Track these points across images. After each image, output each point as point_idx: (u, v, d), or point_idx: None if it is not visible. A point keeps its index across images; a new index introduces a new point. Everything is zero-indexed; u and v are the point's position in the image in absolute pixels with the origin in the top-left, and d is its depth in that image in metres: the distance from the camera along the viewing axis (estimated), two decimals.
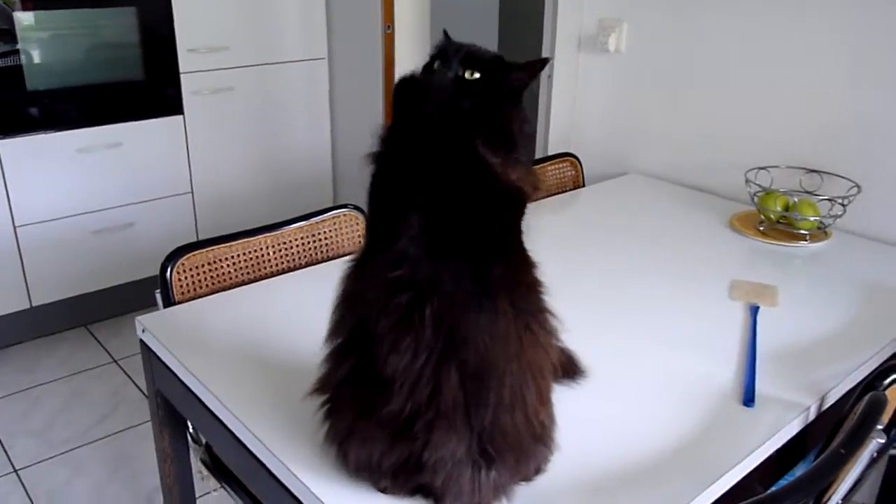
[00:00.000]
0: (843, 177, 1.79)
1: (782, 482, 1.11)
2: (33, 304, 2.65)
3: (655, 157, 2.24)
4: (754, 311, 1.38)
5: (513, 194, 0.83)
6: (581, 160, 2.19)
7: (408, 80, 0.83)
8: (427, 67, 0.84)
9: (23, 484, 2.04)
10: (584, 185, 2.18)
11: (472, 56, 0.81)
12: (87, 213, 2.68)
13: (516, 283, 0.84)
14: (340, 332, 0.88)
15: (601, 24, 2.26)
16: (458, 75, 0.80)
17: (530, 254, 0.87)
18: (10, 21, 2.38)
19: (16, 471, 2.09)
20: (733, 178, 1.99)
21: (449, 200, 0.79)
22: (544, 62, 0.84)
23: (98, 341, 2.75)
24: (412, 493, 0.87)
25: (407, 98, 0.82)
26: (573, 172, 2.16)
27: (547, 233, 1.80)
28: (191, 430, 1.44)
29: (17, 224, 2.54)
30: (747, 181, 1.83)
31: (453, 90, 0.80)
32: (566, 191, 2.13)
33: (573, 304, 1.37)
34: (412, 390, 0.79)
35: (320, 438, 0.92)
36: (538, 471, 0.92)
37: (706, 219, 1.87)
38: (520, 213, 0.86)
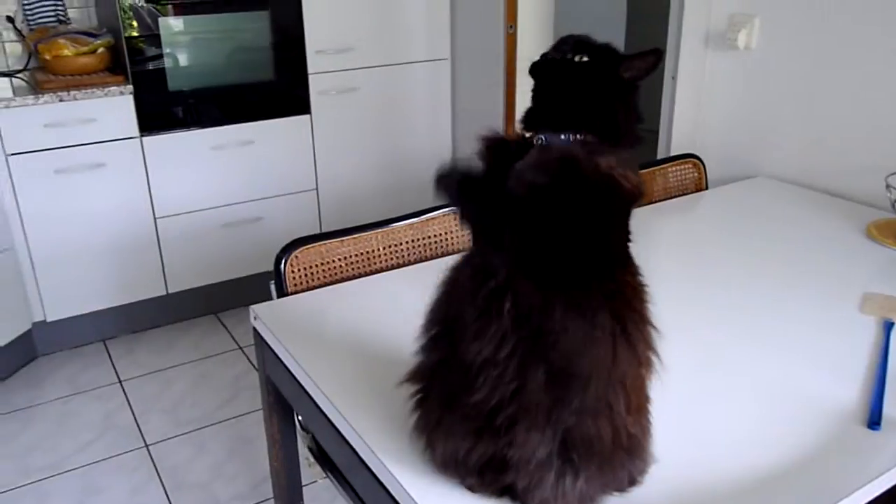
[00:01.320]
0: None
1: None
2: (169, 291, 2.83)
3: (786, 159, 2.11)
4: (888, 326, 1.27)
5: (616, 195, 0.80)
6: (705, 162, 2.09)
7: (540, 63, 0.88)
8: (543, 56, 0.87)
9: (151, 458, 2.18)
10: (707, 188, 2.08)
11: (582, 42, 0.85)
12: (219, 206, 2.83)
13: (618, 288, 0.81)
14: (435, 323, 0.88)
15: (731, 20, 2.16)
16: (568, 58, 0.83)
17: (633, 258, 0.84)
18: (156, 27, 2.55)
19: (147, 446, 2.24)
20: (872, 183, 1.84)
21: (554, 199, 0.78)
22: (657, 53, 0.81)
23: (226, 328, 2.90)
24: (500, 493, 0.86)
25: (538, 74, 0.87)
26: (696, 175, 2.07)
27: (665, 236, 1.74)
28: (299, 417, 1.49)
29: (157, 216, 2.72)
30: (888, 186, 1.69)
31: (562, 71, 0.84)
32: (688, 193, 2.05)
33: (691, 311, 1.32)
34: (496, 382, 0.78)
35: (410, 428, 0.93)
36: (633, 482, 0.88)
37: (840, 226, 1.74)
38: (624, 215, 0.83)
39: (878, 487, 0.94)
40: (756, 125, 2.18)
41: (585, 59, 0.82)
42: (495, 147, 0.86)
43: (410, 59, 3.14)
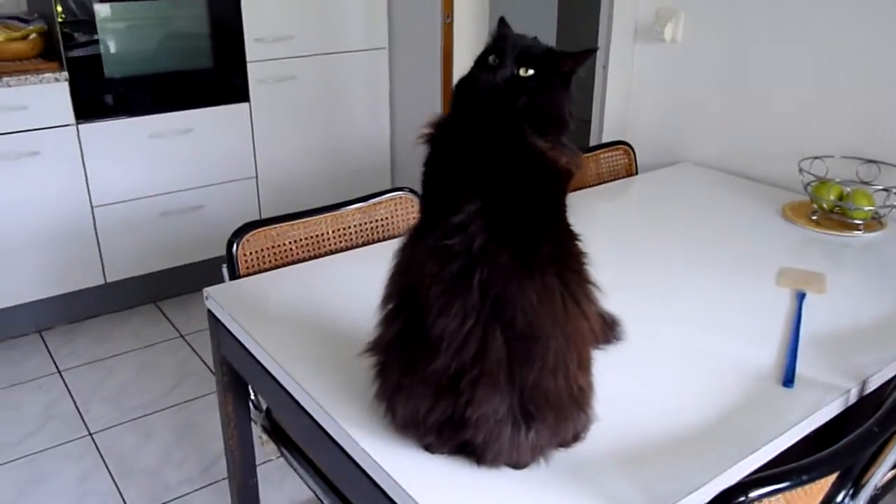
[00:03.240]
0: None
1: None
2: (108, 281, 2.81)
3: (709, 146, 2.25)
4: (801, 297, 1.39)
5: (560, 174, 0.89)
6: (635, 149, 2.21)
7: (467, 82, 0.90)
8: (481, 61, 0.90)
9: (97, 446, 2.18)
10: (636, 174, 2.20)
11: (526, 53, 0.87)
12: (158, 195, 2.82)
13: (562, 255, 0.90)
14: (393, 297, 0.94)
15: (658, 14, 2.27)
16: (514, 74, 0.86)
17: (573, 227, 0.93)
18: (90, 13, 2.52)
19: (91, 434, 2.23)
20: (787, 168, 1.99)
21: (502, 181, 0.86)
22: (592, 51, 0.89)
23: (166, 317, 2.89)
24: (455, 450, 0.93)
25: (466, 97, 0.89)
26: (626, 160, 2.18)
27: (599, 219, 1.84)
28: (252, 397, 1.53)
29: (94, 204, 2.69)
30: (801, 170, 1.83)
31: (509, 90, 0.86)
32: (619, 178, 2.16)
33: (622, 288, 1.41)
34: (459, 350, 0.85)
35: (371, 396, 0.99)
36: (577, 438, 0.97)
37: (758, 208, 1.87)
38: (565, 190, 0.91)
39: (793, 437, 1.05)
40: (682, 114, 2.31)
41: (531, 72, 0.86)
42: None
43: (349, 48, 3.17)
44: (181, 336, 2.76)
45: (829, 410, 1.10)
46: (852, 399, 1.14)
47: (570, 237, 0.92)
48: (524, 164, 0.86)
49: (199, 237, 2.95)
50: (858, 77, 1.85)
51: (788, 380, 1.13)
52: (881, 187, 1.73)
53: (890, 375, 1.19)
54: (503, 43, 0.88)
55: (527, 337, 0.85)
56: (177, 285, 3.00)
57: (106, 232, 2.74)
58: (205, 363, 2.58)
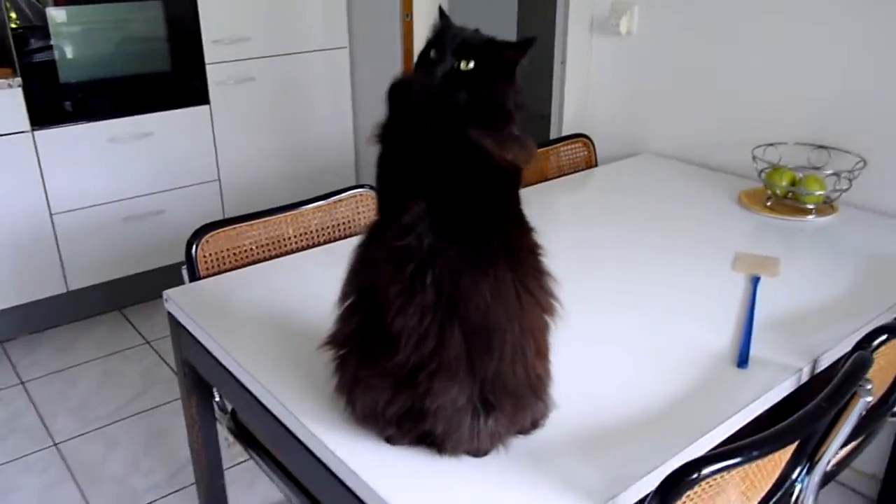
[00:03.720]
0: (849, 152, 1.82)
1: None
2: (69, 289, 2.77)
3: (666, 137, 2.28)
4: (755, 281, 1.42)
5: (506, 170, 0.89)
6: (594, 141, 2.23)
7: (399, 84, 0.89)
8: (423, 56, 0.88)
9: (62, 456, 2.15)
10: (596, 166, 2.22)
11: (465, 45, 0.86)
12: (118, 200, 2.78)
13: (515, 249, 0.90)
14: (351, 293, 0.95)
15: (613, 7, 2.30)
16: (454, 67, 0.85)
17: (527, 220, 0.93)
18: (43, 17, 2.48)
19: (55, 444, 2.20)
20: (742, 156, 2.02)
21: (448, 181, 0.86)
22: (533, 40, 0.88)
23: (131, 324, 2.86)
24: (416, 441, 0.94)
25: (401, 99, 0.88)
26: (586, 153, 2.21)
27: (558, 211, 1.86)
28: (217, 399, 1.52)
29: (53, 212, 2.65)
30: (754, 158, 1.86)
31: (448, 86, 0.85)
32: (579, 171, 2.18)
33: (582, 278, 1.43)
34: (417, 345, 0.86)
35: (331, 390, 0.99)
36: (535, 425, 0.98)
37: (715, 196, 1.91)
38: (515, 185, 0.92)
39: (748, 415, 1.07)
40: (639, 105, 2.34)
41: (472, 64, 0.85)
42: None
43: (308, 48, 3.16)
44: (147, 343, 2.73)
45: (782, 389, 1.13)
46: (804, 377, 1.17)
47: (524, 230, 0.92)
48: (464, 162, 0.86)
49: (163, 242, 2.92)
50: (809, 65, 1.89)
51: (743, 361, 1.16)
52: (831, 172, 1.78)
53: (840, 354, 1.22)
54: (443, 36, 0.86)
55: (483, 330, 0.86)
56: (141, 291, 2.97)
57: (66, 239, 2.70)
58: (171, 369, 2.55)
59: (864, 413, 1.07)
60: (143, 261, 2.90)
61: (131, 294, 2.96)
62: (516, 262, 0.89)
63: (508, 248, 0.89)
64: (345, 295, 0.96)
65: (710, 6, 2.07)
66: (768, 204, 1.81)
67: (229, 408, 1.51)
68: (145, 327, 2.83)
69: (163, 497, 1.99)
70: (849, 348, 1.22)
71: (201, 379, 1.42)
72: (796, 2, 1.88)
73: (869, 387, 1.04)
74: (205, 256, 1.50)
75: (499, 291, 0.87)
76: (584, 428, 1.01)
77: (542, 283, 0.92)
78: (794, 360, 1.17)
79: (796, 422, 0.90)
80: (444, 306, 0.85)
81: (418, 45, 2.96)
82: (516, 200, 0.92)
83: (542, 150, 2.11)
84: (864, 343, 1.09)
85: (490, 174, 0.87)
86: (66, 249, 2.71)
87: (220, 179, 3.03)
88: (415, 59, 0.92)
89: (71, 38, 2.57)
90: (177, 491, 2.01)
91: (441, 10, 0.91)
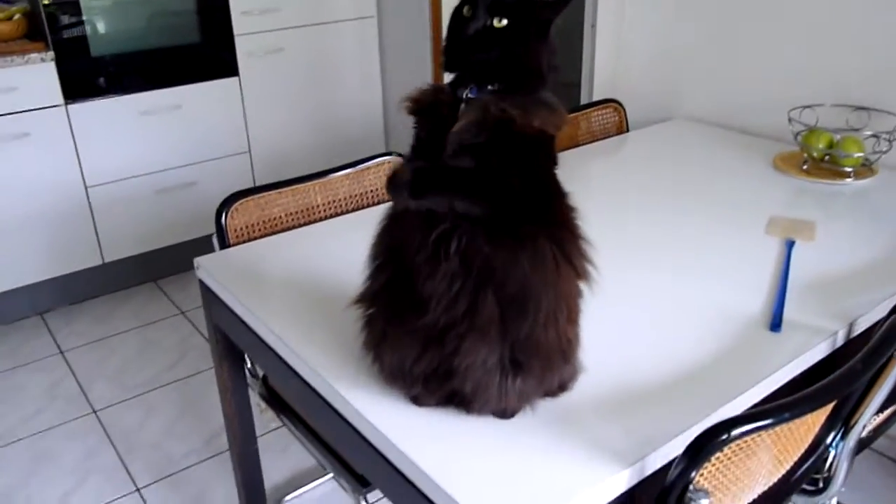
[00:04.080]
0: (890, 112, 1.76)
1: None
2: (105, 261, 2.81)
3: (700, 101, 2.23)
4: (790, 245, 1.39)
5: (536, 139, 0.87)
6: (625, 106, 2.19)
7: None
8: (456, 13, 0.87)
9: (101, 423, 2.20)
10: (628, 131, 2.19)
11: (499, 2, 0.84)
12: (151, 173, 2.82)
13: (551, 215, 0.89)
14: (380, 254, 0.95)
15: None
16: (487, 25, 0.83)
17: (562, 186, 0.92)
18: None
19: (95, 412, 2.25)
20: (777, 119, 1.97)
21: (478, 155, 0.85)
22: None
23: (166, 295, 2.90)
24: (442, 401, 0.94)
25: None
26: (616, 118, 2.17)
27: (590, 177, 1.83)
28: (248, 365, 1.54)
29: (88, 185, 2.69)
30: (790, 120, 1.82)
31: (480, 44, 0.84)
32: (610, 136, 2.15)
33: (614, 244, 1.42)
34: (448, 308, 0.86)
35: (359, 348, 1.00)
36: (563, 388, 0.98)
37: (749, 160, 1.87)
38: (546, 153, 0.90)
39: (780, 379, 1.05)
40: (672, 70, 2.29)
41: (504, 21, 0.83)
42: (427, 111, 0.90)
43: (337, 18, 3.14)
44: (182, 313, 2.78)
45: (816, 352, 1.10)
46: (839, 341, 1.14)
47: (559, 196, 0.90)
48: (492, 134, 0.84)
49: (195, 214, 2.95)
50: (848, 25, 1.83)
51: (776, 324, 1.14)
52: (870, 133, 1.72)
53: (877, 317, 1.19)
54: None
55: (520, 297, 0.85)
56: (175, 263, 3.01)
57: (101, 212, 2.74)
58: (205, 338, 2.59)
59: None
60: (176, 233, 2.94)
61: (166, 265, 3.00)
62: (554, 229, 0.88)
63: (545, 215, 0.88)
64: (373, 255, 0.96)
65: None
66: (805, 167, 1.76)
67: (261, 374, 1.53)
68: (180, 298, 2.87)
69: (199, 462, 2.03)
70: (885, 312, 1.20)
71: (233, 345, 1.44)
72: None
73: None
74: (235, 225, 1.51)
75: (537, 262, 0.85)
76: (614, 391, 1.00)
77: (579, 249, 0.90)
78: (828, 324, 1.15)
79: (830, 383, 0.88)
80: (477, 274, 0.85)
81: (446, 13, 2.92)
82: (549, 167, 0.90)
83: (572, 115, 2.08)
84: None
85: (517, 145, 0.85)
86: (101, 222, 2.75)
87: (250, 151, 3.05)
88: (443, 26, 0.90)
89: (102, 13, 2.59)
90: (212, 457, 2.05)
91: None
